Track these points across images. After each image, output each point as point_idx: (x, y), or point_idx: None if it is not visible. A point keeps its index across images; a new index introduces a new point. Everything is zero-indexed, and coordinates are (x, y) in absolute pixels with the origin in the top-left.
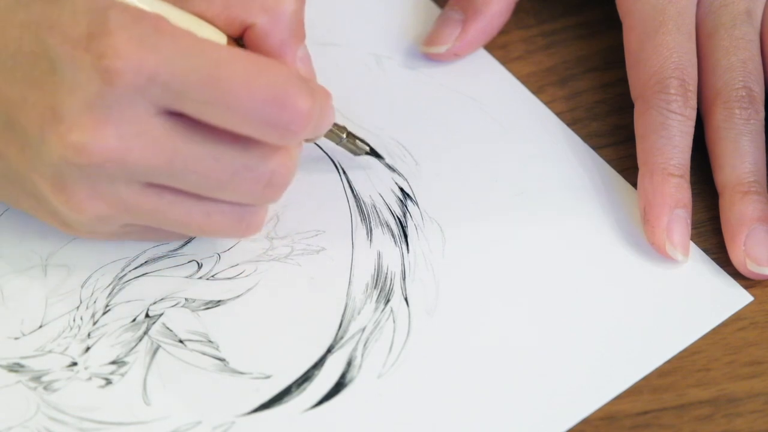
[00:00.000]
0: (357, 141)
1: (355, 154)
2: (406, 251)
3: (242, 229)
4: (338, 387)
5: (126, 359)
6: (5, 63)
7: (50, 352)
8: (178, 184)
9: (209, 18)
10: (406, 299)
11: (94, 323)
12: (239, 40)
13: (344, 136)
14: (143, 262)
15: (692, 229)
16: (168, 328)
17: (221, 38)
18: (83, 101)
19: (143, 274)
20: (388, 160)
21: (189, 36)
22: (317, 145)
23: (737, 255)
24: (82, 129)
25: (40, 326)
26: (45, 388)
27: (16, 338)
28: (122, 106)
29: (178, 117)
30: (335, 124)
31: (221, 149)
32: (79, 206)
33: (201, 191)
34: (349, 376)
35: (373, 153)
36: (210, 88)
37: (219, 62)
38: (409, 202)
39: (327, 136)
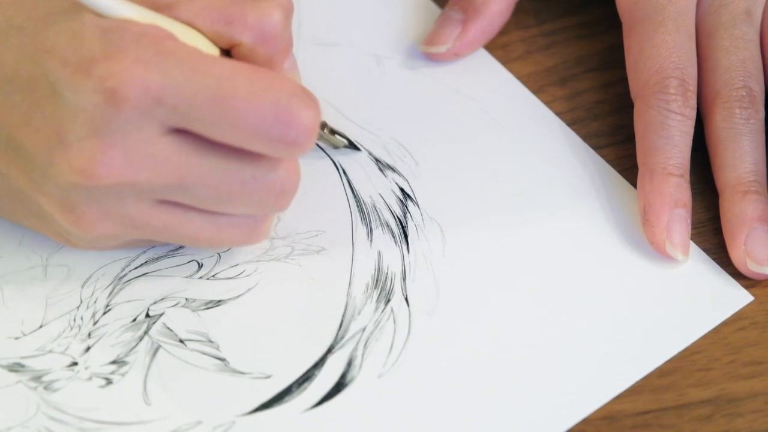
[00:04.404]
0: (336, 135)
1: (335, 147)
2: (407, 251)
3: (251, 240)
4: (338, 387)
5: (126, 359)
6: (2, 87)
7: (50, 351)
8: (190, 200)
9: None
10: (406, 299)
11: (95, 323)
12: (228, 52)
13: (324, 130)
14: (143, 261)
15: (692, 228)
16: (168, 328)
17: (214, 51)
18: (88, 126)
19: (143, 274)
20: (387, 160)
21: (192, 53)
22: (318, 146)
23: (737, 255)
24: (89, 154)
25: (41, 326)
26: (45, 388)
27: (17, 338)
28: (129, 128)
29: (186, 133)
30: None
31: (231, 162)
32: (87, 226)
33: (212, 206)
34: (349, 376)
35: (352, 146)
36: (216, 108)
37: (223, 80)
38: (409, 203)
39: None
